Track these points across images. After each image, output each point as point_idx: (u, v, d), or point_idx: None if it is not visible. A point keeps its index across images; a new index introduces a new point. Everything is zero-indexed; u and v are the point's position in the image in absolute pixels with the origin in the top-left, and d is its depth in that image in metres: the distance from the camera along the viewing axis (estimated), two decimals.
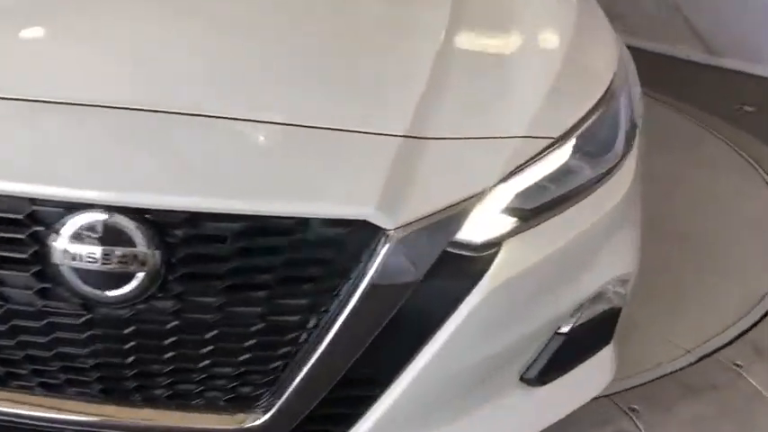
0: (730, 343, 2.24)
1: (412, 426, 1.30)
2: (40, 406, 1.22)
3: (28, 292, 1.15)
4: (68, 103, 1.18)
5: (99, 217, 1.12)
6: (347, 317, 1.18)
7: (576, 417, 1.63)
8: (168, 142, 1.16)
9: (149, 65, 1.28)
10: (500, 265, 1.25)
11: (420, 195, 1.19)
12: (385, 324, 1.19)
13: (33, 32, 1.40)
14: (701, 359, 2.20)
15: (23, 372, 1.22)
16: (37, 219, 1.13)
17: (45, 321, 1.17)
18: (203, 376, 1.23)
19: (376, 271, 1.17)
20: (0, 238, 1.13)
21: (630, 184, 1.44)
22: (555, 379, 1.45)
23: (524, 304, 1.30)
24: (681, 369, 2.18)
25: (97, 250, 1.12)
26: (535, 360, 1.40)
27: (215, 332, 1.18)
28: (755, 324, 2.31)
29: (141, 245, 1.12)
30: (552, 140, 1.31)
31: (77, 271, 1.13)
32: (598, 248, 1.39)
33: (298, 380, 1.21)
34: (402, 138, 1.22)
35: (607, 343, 1.55)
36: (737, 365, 2.15)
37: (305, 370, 1.20)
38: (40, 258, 1.13)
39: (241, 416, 1.24)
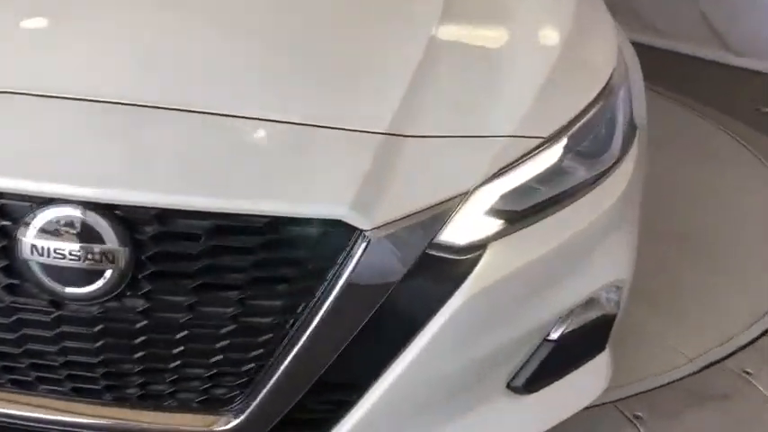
0: (740, 350, 2.18)
1: None
2: (7, 402, 1.20)
3: None
4: (37, 94, 1.15)
5: (68, 212, 1.09)
6: (321, 320, 1.14)
7: (579, 423, 1.60)
8: (139, 137, 1.13)
9: (121, 57, 1.24)
10: (484, 269, 1.20)
11: (399, 195, 1.15)
12: (361, 327, 1.16)
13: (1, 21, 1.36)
14: (708, 366, 2.15)
15: None
16: (5, 213, 1.10)
17: (14, 318, 1.15)
18: (175, 377, 1.20)
19: (351, 273, 1.13)
20: None
21: (626, 186, 1.38)
22: (544, 387, 1.40)
23: (509, 309, 1.25)
24: (687, 376, 2.13)
25: (65, 246, 1.09)
26: (523, 367, 1.36)
27: (185, 332, 1.15)
28: (766, 331, 2.26)
29: (110, 241, 1.09)
30: (542, 140, 1.26)
31: (46, 267, 1.10)
32: (590, 253, 1.34)
33: (271, 383, 1.18)
34: (382, 135, 1.18)
35: (601, 350, 1.50)
36: (747, 373, 2.09)
37: (278, 373, 1.17)
38: (9, 253, 1.11)
39: (213, 418, 1.21)
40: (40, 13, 1.36)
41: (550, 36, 1.50)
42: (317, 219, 1.11)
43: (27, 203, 1.10)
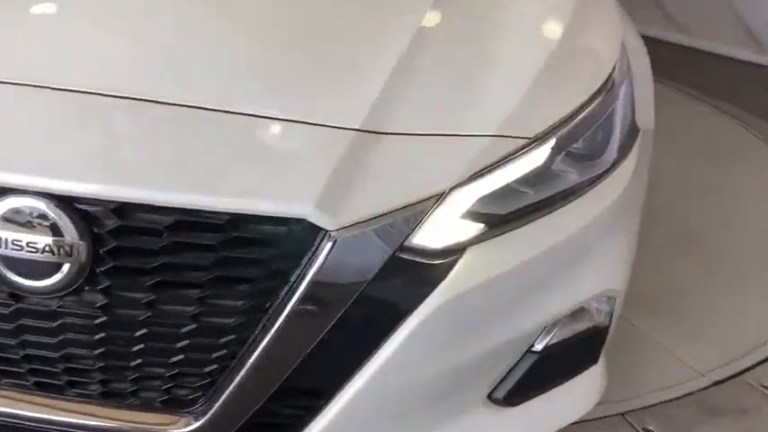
0: (759, 364, 2.09)
1: None
2: None
3: None
4: None
5: (26, 203, 1.06)
6: (284, 322, 1.09)
7: None
8: (98, 127, 1.09)
9: (82, 45, 1.21)
10: (458, 274, 1.14)
11: (369, 195, 1.09)
12: (326, 331, 1.11)
13: None
14: (725, 380, 2.06)
15: None
16: None
17: None
18: (136, 375, 1.16)
19: (316, 274, 1.08)
20: None
21: (622, 193, 1.31)
22: (529, 399, 1.34)
23: (487, 318, 1.19)
24: (702, 390, 2.05)
25: (23, 237, 1.06)
26: (504, 378, 1.29)
27: (145, 330, 1.12)
28: None
29: (69, 234, 1.06)
30: (526, 141, 1.19)
31: (4, 258, 1.07)
32: (578, 261, 1.26)
33: (233, 386, 1.14)
34: (355, 131, 1.12)
35: (593, 363, 1.43)
36: (766, 387, 2.00)
37: (240, 375, 1.13)
38: None
39: (173, 419, 1.17)
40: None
41: (546, 29, 1.42)
42: (281, 217, 1.06)
43: None
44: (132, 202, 1.05)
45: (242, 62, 1.20)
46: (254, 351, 1.11)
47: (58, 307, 1.11)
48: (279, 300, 1.10)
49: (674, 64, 3.69)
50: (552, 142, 1.22)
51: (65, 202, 1.06)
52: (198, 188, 1.05)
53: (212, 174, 1.06)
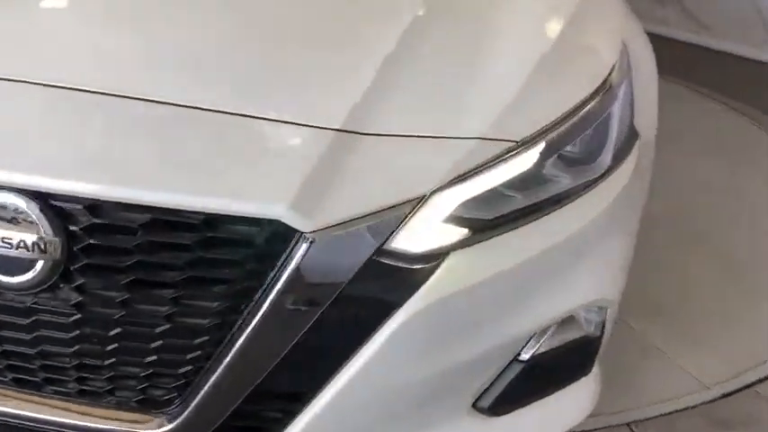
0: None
1: None
2: None
3: None
4: None
5: (1, 198, 1.05)
6: (258, 325, 1.08)
7: None
8: (74, 124, 1.08)
9: (62, 40, 1.19)
10: (439, 280, 1.11)
11: (347, 196, 1.07)
12: (302, 334, 1.08)
13: None
14: (733, 392, 2.01)
15: None
16: None
17: None
18: (111, 374, 1.15)
19: (290, 277, 1.06)
20: None
21: (615, 200, 1.26)
22: (516, 409, 1.31)
23: (468, 324, 1.16)
24: (710, 401, 2.00)
25: None
26: (490, 387, 1.26)
27: (119, 329, 1.10)
28: None
29: (44, 230, 1.05)
30: (513, 144, 1.16)
31: None
32: (567, 269, 1.23)
33: (207, 388, 1.12)
34: (335, 132, 1.10)
35: (584, 374, 1.39)
36: None
37: (214, 378, 1.11)
38: None
39: (148, 419, 1.16)
40: None
41: (543, 27, 1.37)
42: (256, 218, 1.04)
43: None
44: (105, 199, 1.03)
45: (222, 61, 1.17)
46: (228, 353, 1.10)
47: (33, 304, 1.10)
48: (254, 302, 1.08)
49: (689, 62, 3.62)
50: (541, 146, 1.18)
51: (40, 198, 1.05)
52: (171, 187, 1.03)
53: (185, 172, 1.04)
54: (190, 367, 1.12)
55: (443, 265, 1.12)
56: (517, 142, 1.16)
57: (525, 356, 1.26)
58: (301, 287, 1.07)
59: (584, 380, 1.39)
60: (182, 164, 1.05)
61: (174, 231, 1.05)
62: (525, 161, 1.17)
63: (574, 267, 1.24)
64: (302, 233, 1.05)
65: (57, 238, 1.05)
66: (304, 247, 1.05)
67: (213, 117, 1.08)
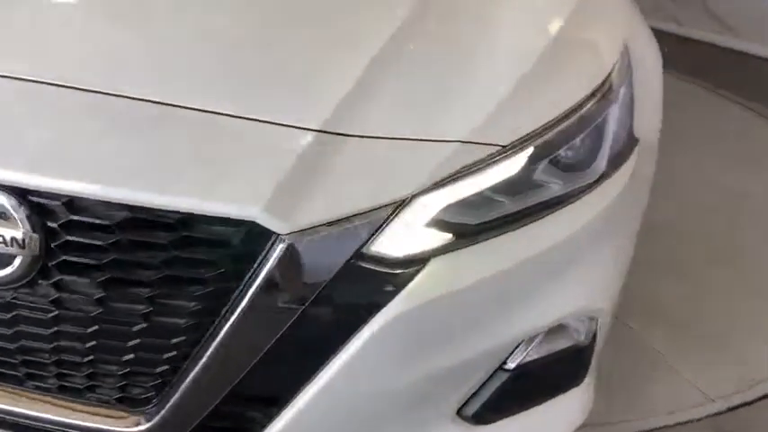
0: None
1: None
2: None
3: None
4: None
5: None
6: (232, 327, 1.06)
7: None
8: (50, 119, 1.07)
9: (35, 34, 1.18)
10: (420, 285, 1.09)
11: (325, 198, 1.05)
12: (278, 337, 1.07)
13: None
14: (742, 405, 1.96)
15: None
16: None
17: None
18: (90, 371, 1.15)
19: (265, 279, 1.04)
20: None
21: (607, 208, 1.23)
22: (502, 418, 1.28)
23: (449, 331, 1.14)
24: (715, 414, 1.95)
25: None
26: (474, 395, 1.24)
27: (96, 327, 1.10)
28: None
29: (22, 226, 1.05)
30: (499, 149, 1.13)
31: None
32: (555, 276, 1.19)
33: (182, 388, 1.11)
34: (316, 132, 1.08)
35: (575, 384, 1.36)
36: None
37: (190, 378, 1.10)
38: None
39: (126, 417, 1.16)
40: None
41: (539, 27, 1.33)
42: (232, 219, 1.03)
43: None
44: (81, 196, 1.03)
45: (203, 58, 1.16)
46: (204, 354, 1.09)
47: (13, 299, 1.10)
48: (230, 303, 1.07)
49: (715, 65, 3.55)
50: (530, 151, 1.16)
51: (19, 194, 1.04)
52: (145, 186, 1.02)
53: (160, 171, 1.03)
54: (167, 367, 1.12)
55: (425, 271, 1.10)
56: (503, 146, 1.13)
57: (511, 365, 1.23)
58: (277, 289, 1.05)
59: (575, 390, 1.36)
60: (157, 162, 1.04)
61: (150, 230, 1.04)
62: (512, 166, 1.14)
63: (562, 275, 1.20)
64: (278, 235, 1.04)
65: (35, 235, 1.05)
66: (280, 248, 1.04)
67: (191, 115, 1.07)
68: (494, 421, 1.27)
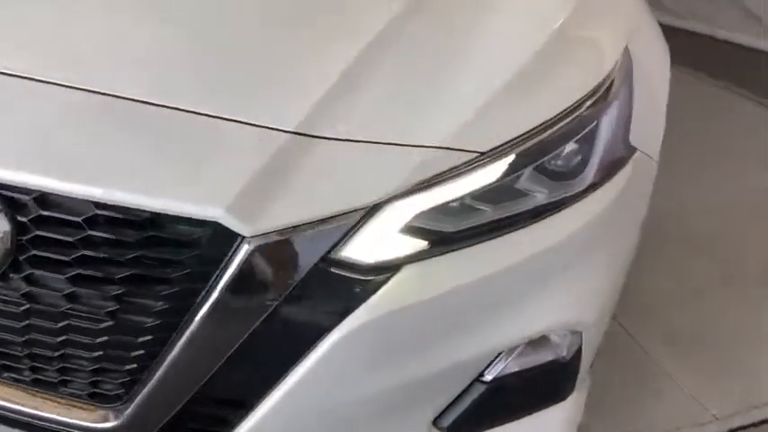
0: None
1: None
2: None
3: None
4: None
5: None
6: (197, 328, 1.05)
7: None
8: (21, 114, 1.07)
9: (11, 28, 1.17)
10: (389, 292, 1.07)
11: (294, 201, 1.03)
12: (242, 341, 1.06)
13: None
14: (747, 426, 1.89)
15: None
16: None
17: None
18: (61, 365, 1.15)
19: (230, 281, 1.03)
20: None
21: (593, 220, 1.18)
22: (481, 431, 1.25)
23: (419, 341, 1.11)
24: None
25: None
26: (450, 407, 1.21)
27: (66, 322, 1.10)
28: None
29: None
30: (477, 155, 1.10)
31: None
32: (535, 287, 1.16)
33: (148, 387, 1.11)
34: (288, 134, 1.06)
35: (560, 399, 1.32)
36: None
37: (155, 378, 1.10)
38: None
39: (95, 413, 1.16)
40: None
41: (532, 28, 1.27)
42: (197, 219, 1.02)
43: None
44: (49, 192, 1.03)
45: (177, 55, 1.14)
46: (170, 354, 1.08)
47: None
48: (196, 304, 1.06)
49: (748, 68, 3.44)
50: (511, 158, 1.12)
51: None
52: (111, 183, 1.01)
53: (126, 169, 1.02)
54: (135, 365, 1.11)
55: (396, 278, 1.07)
56: (481, 153, 1.10)
57: (489, 377, 1.20)
58: (242, 292, 1.04)
59: (560, 405, 1.32)
60: (123, 160, 1.03)
61: (117, 228, 1.04)
62: (491, 173, 1.11)
63: (544, 286, 1.16)
64: (243, 237, 1.02)
65: (7, 228, 1.05)
66: (244, 251, 1.02)
67: (160, 112, 1.06)
68: None
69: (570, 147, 1.19)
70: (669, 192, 2.60)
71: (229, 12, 1.22)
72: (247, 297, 1.04)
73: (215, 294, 1.04)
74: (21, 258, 1.07)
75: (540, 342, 1.23)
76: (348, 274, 1.06)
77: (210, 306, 1.04)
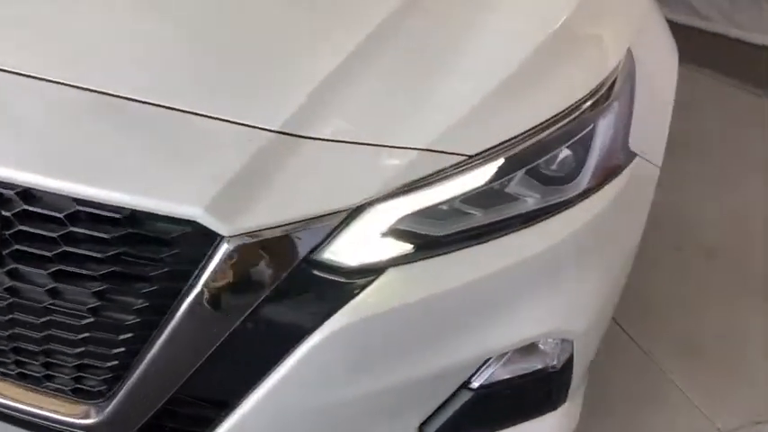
0: None
1: None
2: None
3: None
4: None
5: None
6: (175, 328, 1.04)
7: None
8: (4, 108, 1.07)
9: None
10: (372, 295, 1.05)
11: (275, 201, 1.01)
12: (221, 342, 1.05)
13: None
14: None
15: None
16: None
17: None
18: (44, 360, 1.15)
19: (208, 281, 1.02)
20: None
21: (586, 225, 1.15)
22: None
23: (402, 345, 1.09)
24: None
25: None
26: (436, 413, 1.19)
27: (48, 317, 1.10)
28: None
29: None
30: (464, 158, 1.07)
31: None
32: (522, 294, 1.13)
33: (128, 385, 1.10)
34: (273, 133, 1.04)
35: (551, 408, 1.29)
36: None
37: (135, 376, 1.09)
38: None
39: (77, 408, 1.16)
40: None
41: (530, 27, 1.23)
42: (175, 217, 1.01)
43: None
44: (30, 187, 1.02)
45: (163, 51, 1.13)
46: (149, 352, 1.07)
47: None
48: (175, 303, 1.05)
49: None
50: (500, 162, 1.09)
51: None
52: (92, 179, 1.00)
53: (107, 165, 1.01)
54: (116, 362, 1.11)
55: (378, 281, 1.06)
56: (469, 156, 1.08)
57: (475, 384, 1.18)
58: (220, 292, 1.03)
59: (552, 414, 1.29)
60: (104, 156, 1.02)
61: (98, 225, 1.03)
62: (479, 177, 1.08)
63: (532, 293, 1.14)
64: (222, 236, 1.01)
65: None
66: (223, 250, 1.01)
67: (143, 109, 1.05)
68: None
69: (565, 151, 1.17)
70: (682, 194, 2.56)
71: (221, 8, 1.21)
72: (226, 297, 1.03)
73: (194, 294, 1.03)
74: (4, 253, 1.07)
75: (528, 350, 1.20)
76: (330, 277, 1.04)
77: (189, 305, 1.03)
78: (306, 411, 1.12)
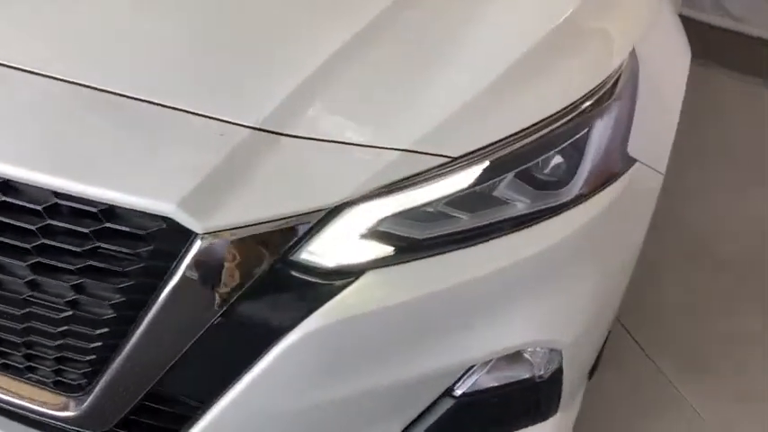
0: None
1: None
2: None
3: None
4: None
5: None
6: (149, 325, 1.03)
7: None
8: None
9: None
10: (348, 298, 1.03)
11: (252, 199, 1.00)
12: (196, 340, 1.03)
13: None
14: None
15: None
16: None
17: None
18: (26, 352, 1.15)
19: (181, 278, 1.01)
20: None
21: (577, 232, 1.11)
22: None
23: (380, 349, 1.07)
24: None
25: None
26: (417, 420, 1.16)
27: (28, 309, 1.10)
28: None
29: None
30: (448, 160, 1.04)
31: None
32: (507, 301, 1.09)
33: (104, 380, 1.10)
34: (250, 129, 1.03)
35: (541, 419, 1.25)
36: None
37: (111, 371, 1.08)
38: None
39: (57, 401, 1.15)
40: None
41: (532, 23, 1.20)
42: (151, 213, 1.00)
43: None
44: (5, 178, 1.02)
45: (145, 45, 1.11)
46: (125, 347, 1.07)
47: None
48: (151, 299, 1.04)
49: None
50: (485, 164, 1.06)
51: None
52: (66, 172, 0.99)
53: (81, 158, 1.01)
54: (94, 356, 1.10)
55: (357, 283, 1.03)
56: (452, 158, 1.05)
57: (458, 392, 1.15)
58: (194, 290, 1.01)
59: (542, 425, 1.26)
60: (80, 149, 1.01)
61: (75, 218, 1.03)
62: (464, 179, 1.05)
63: (517, 300, 1.10)
64: (196, 233, 0.99)
65: None
66: (196, 247, 1.00)
67: (120, 102, 1.03)
68: None
69: (557, 154, 1.13)
70: (698, 201, 2.48)
71: (207, 3, 1.19)
72: (200, 294, 1.02)
73: (168, 290, 1.02)
74: None
75: (514, 358, 1.17)
76: (307, 277, 1.02)
77: (164, 302, 1.02)
78: (282, 412, 1.10)
